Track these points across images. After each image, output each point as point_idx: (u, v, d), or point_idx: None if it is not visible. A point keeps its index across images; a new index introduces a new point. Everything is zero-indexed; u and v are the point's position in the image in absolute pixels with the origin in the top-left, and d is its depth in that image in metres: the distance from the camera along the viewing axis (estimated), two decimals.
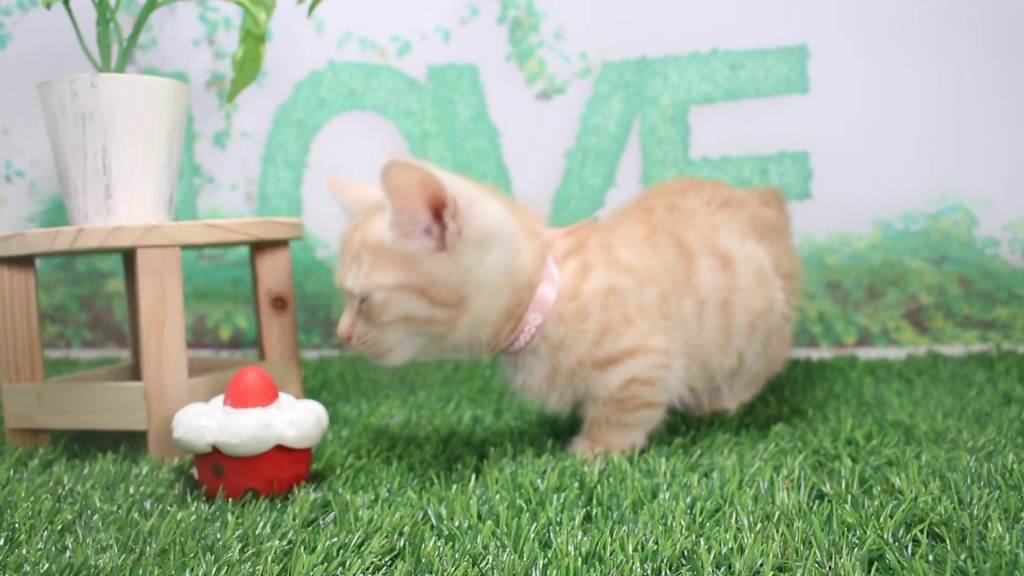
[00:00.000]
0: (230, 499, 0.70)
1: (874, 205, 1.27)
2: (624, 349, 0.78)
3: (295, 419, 0.72)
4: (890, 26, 1.25)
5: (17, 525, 0.64)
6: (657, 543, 0.57)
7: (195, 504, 0.68)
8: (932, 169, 1.26)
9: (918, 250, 1.27)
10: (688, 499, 0.66)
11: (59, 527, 0.64)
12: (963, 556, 0.54)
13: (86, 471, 0.78)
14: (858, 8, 1.25)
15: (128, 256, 1.01)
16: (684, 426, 0.91)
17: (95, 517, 0.65)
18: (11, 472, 0.79)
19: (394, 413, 1.01)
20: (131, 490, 0.72)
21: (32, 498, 0.70)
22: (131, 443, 0.89)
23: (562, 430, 0.90)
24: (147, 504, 0.69)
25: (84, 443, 0.91)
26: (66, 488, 0.73)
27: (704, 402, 0.93)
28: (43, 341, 0.88)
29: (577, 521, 0.62)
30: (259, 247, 0.95)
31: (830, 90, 1.27)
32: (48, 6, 0.85)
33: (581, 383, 0.79)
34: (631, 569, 0.54)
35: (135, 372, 1.02)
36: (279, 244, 0.96)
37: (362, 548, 0.59)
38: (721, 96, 1.29)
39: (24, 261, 0.87)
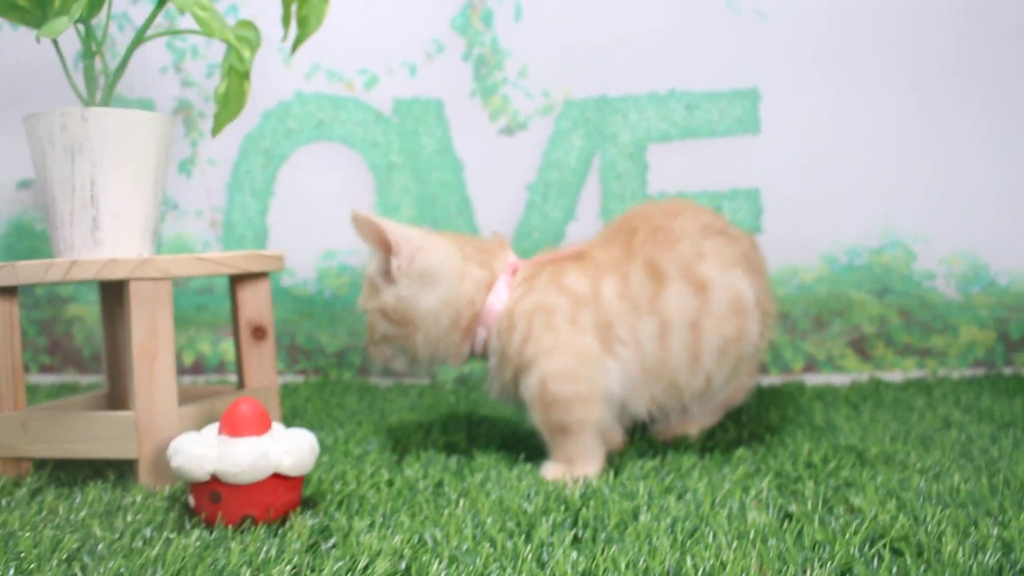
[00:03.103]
0: (229, 526, 0.72)
1: (821, 240, 1.35)
2: (540, 349, 0.88)
3: (291, 448, 0.74)
4: (836, 72, 1.34)
5: (23, 555, 0.65)
6: (646, 560, 0.62)
7: (195, 531, 0.70)
8: (874, 207, 1.34)
9: (861, 283, 1.35)
10: (668, 519, 0.70)
11: (65, 556, 0.65)
12: (923, 568, 0.59)
13: (78, 500, 0.79)
14: (806, 55, 1.34)
15: (107, 286, 1.03)
16: (652, 451, 0.96)
17: (99, 546, 0.67)
18: (0, 501, 0.79)
19: (371, 440, 1.03)
20: (128, 518, 0.74)
21: (30, 527, 0.72)
22: (118, 472, 0.90)
23: (535, 452, 0.94)
24: (147, 531, 0.71)
25: (69, 472, 0.92)
26: (63, 517, 0.74)
27: (672, 422, 0.99)
28: None
29: (568, 541, 0.67)
30: (240, 278, 0.98)
31: (780, 131, 1.34)
32: (39, 40, 0.86)
33: (519, 390, 0.91)
34: None
35: (113, 400, 1.03)
36: (260, 275, 0.98)
37: (367, 571, 0.62)
38: (678, 135, 1.36)
39: (7, 291, 0.88)
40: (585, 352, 0.87)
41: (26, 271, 0.82)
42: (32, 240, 1.47)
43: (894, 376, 1.37)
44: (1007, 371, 1.36)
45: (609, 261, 0.92)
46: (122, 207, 0.88)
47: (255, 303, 0.98)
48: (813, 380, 1.38)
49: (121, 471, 0.90)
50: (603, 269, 0.91)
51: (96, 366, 1.49)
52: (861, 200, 1.34)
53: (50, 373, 1.50)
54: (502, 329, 0.91)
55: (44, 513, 0.76)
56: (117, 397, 1.04)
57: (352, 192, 1.41)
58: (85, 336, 1.49)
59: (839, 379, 1.37)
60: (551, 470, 0.87)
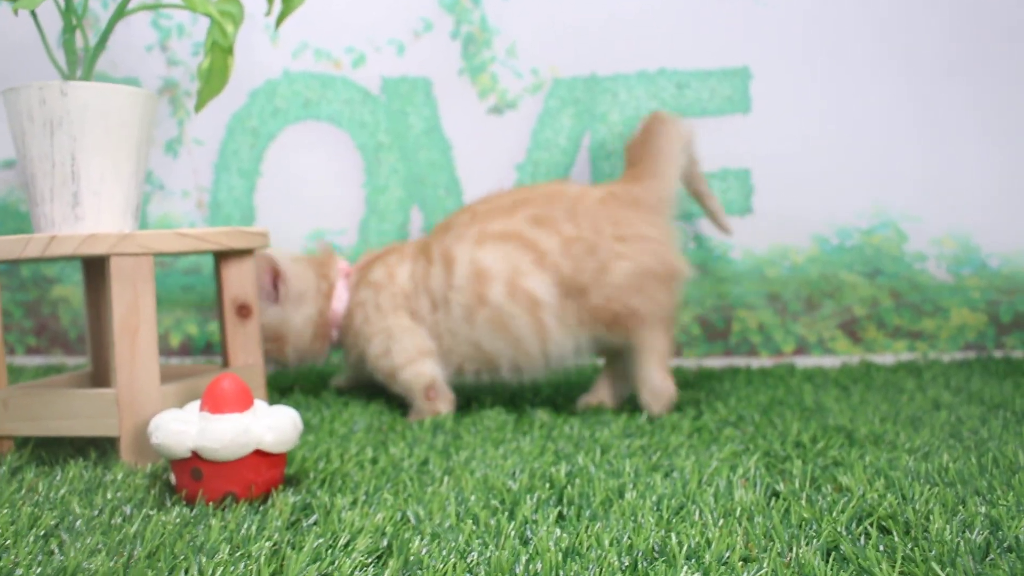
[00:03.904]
0: (210, 503, 0.71)
1: (812, 221, 1.34)
2: (362, 338, 1.11)
3: (273, 424, 0.73)
4: (828, 52, 1.32)
5: (0, 531, 0.64)
6: (631, 538, 0.61)
7: (176, 508, 0.69)
8: (866, 187, 1.33)
9: (853, 264, 1.35)
10: (654, 497, 0.70)
11: (43, 532, 0.64)
12: (910, 546, 0.59)
13: (58, 478, 0.78)
14: (797, 33, 1.32)
15: (89, 264, 1.01)
16: (639, 431, 0.95)
17: (78, 523, 0.66)
18: None
19: (356, 420, 1.03)
20: (108, 495, 0.73)
21: (8, 504, 0.71)
22: (100, 449, 0.89)
23: (522, 430, 0.93)
24: (127, 509, 0.70)
25: (50, 450, 0.91)
26: (42, 495, 0.73)
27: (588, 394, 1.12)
28: None
29: (552, 519, 0.66)
30: (225, 256, 0.96)
31: (771, 111, 1.33)
32: (16, 12, 0.85)
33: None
34: (609, 562, 0.57)
35: (96, 379, 1.02)
36: (245, 253, 0.97)
37: (349, 547, 0.61)
38: None
39: None
40: (390, 330, 1.09)
41: (4, 246, 0.81)
42: (17, 221, 1.45)
43: (885, 359, 1.37)
44: (998, 354, 1.36)
45: (409, 251, 1.13)
46: (103, 183, 0.87)
47: (239, 281, 0.97)
48: (803, 362, 1.37)
49: (103, 449, 0.89)
50: (405, 256, 1.12)
51: (83, 347, 1.48)
52: (852, 181, 1.33)
53: (36, 355, 1.49)
54: (344, 328, 1.15)
55: (24, 491, 0.75)
56: (100, 376, 1.02)
57: (340, 172, 1.39)
58: (71, 317, 1.47)
59: (830, 361, 1.37)
60: (411, 417, 1.07)
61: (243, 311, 0.98)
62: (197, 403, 0.77)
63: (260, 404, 0.77)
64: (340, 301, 1.14)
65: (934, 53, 1.32)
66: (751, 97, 1.33)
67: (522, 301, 1.02)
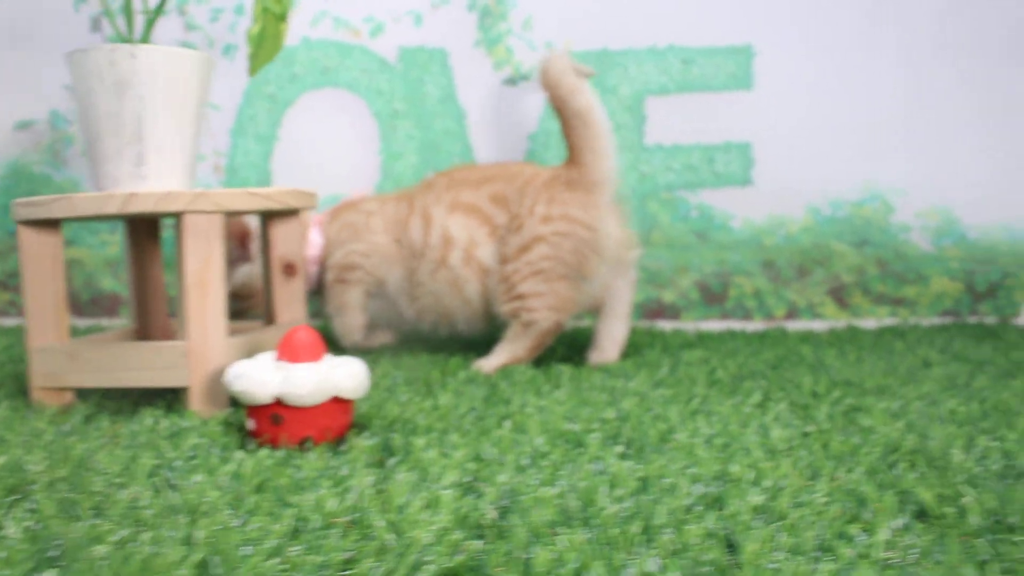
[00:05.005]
0: (292, 446, 0.76)
1: (807, 192, 1.42)
2: (338, 257, 1.21)
3: (349, 372, 0.79)
4: (827, 31, 1.40)
5: (108, 470, 0.69)
6: (694, 469, 0.68)
7: (262, 451, 0.75)
8: (857, 161, 1.42)
9: (842, 234, 1.43)
10: (702, 437, 0.77)
11: (148, 473, 0.69)
12: (937, 474, 0.67)
13: (136, 426, 0.82)
14: (799, 13, 1.40)
15: (135, 225, 1.05)
16: (663, 384, 1.02)
17: (177, 462, 0.71)
18: (54, 427, 0.82)
19: (393, 374, 1.08)
20: (193, 440, 0.78)
21: (101, 448, 0.75)
22: (165, 401, 0.94)
23: (551, 385, 0.99)
24: (215, 451, 0.75)
25: (115, 401, 0.95)
26: (128, 440, 0.78)
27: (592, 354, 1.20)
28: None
29: (618, 455, 0.73)
30: (273, 215, 1.01)
31: (772, 87, 1.41)
32: None
33: None
34: (681, 487, 0.64)
35: (141, 337, 1.05)
36: (292, 213, 1.02)
37: (440, 480, 0.67)
38: (675, 88, 1.41)
39: (52, 224, 0.90)
40: (366, 253, 1.20)
41: (84, 203, 0.85)
42: (31, 183, 1.46)
43: (868, 323, 1.46)
44: (972, 320, 1.46)
45: (395, 195, 1.24)
46: (167, 143, 0.90)
47: (286, 240, 1.01)
48: (794, 326, 1.46)
49: (168, 402, 0.94)
50: (387, 202, 1.23)
51: (94, 310, 1.50)
52: (846, 155, 1.41)
53: None
54: (325, 257, 1.23)
55: (107, 437, 0.79)
56: (145, 335, 1.06)
57: (356, 139, 1.44)
58: (84, 279, 1.50)
59: (818, 325, 1.46)
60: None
61: (289, 269, 1.02)
62: (268, 354, 0.82)
63: (329, 356, 0.82)
64: (314, 247, 1.22)
65: (929, 35, 1.40)
66: (754, 74, 1.41)
67: (474, 268, 1.15)
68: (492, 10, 1.41)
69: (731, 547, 0.55)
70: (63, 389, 0.92)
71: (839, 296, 1.46)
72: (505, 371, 1.10)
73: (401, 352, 1.25)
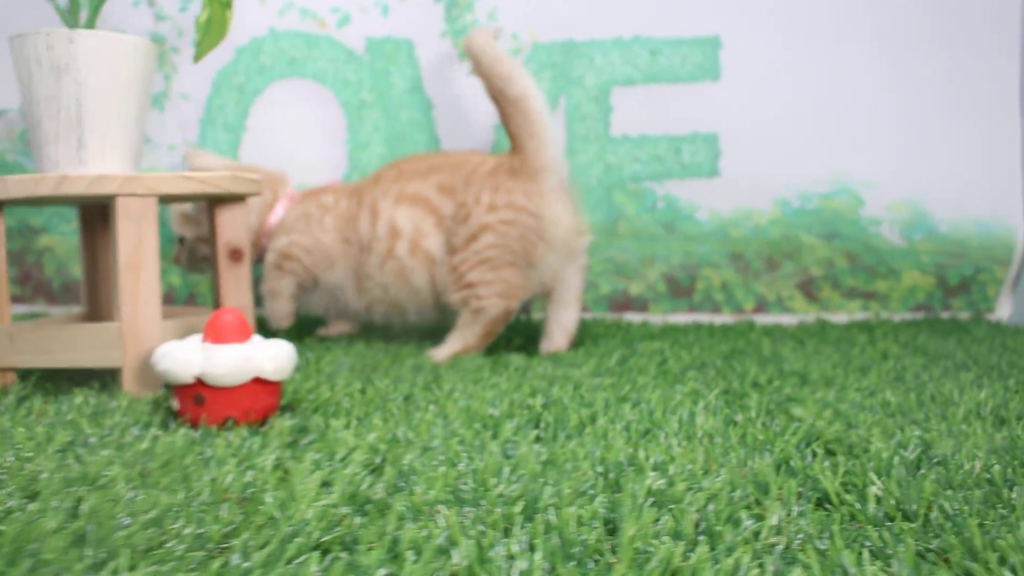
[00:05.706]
0: (212, 426, 0.77)
1: (775, 184, 1.41)
2: (283, 244, 1.23)
3: (273, 354, 0.79)
4: (796, 23, 1.39)
5: (20, 445, 0.69)
6: (602, 453, 0.67)
7: (181, 430, 0.75)
8: (826, 154, 1.40)
9: (812, 227, 1.42)
10: (623, 423, 0.76)
11: (58, 448, 0.69)
12: (851, 463, 0.66)
13: (65, 405, 0.83)
14: (767, 5, 1.39)
15: (86, 210, 1.05)
16: (608, 373, 1.02)
17: (91, 439, 0.71)
18: None
19: (341, 360, 1.08)
20: (116, 419, 0.78)
21: (23, 426, 0.76)
22: (101, 383, 0.94)
23: (494, 374, 0.99)
24: (135, 430, 0.75)
25: (53, 382, 0.95)
26: (53, 418, 0.78)
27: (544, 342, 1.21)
28: None
29: (530, 439, 0.72)
30: (219, 201, 1.01)
31: (739, 79, 1.39)
32: None
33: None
34: (583, 471, 0.64)
35: (91, 321, 1.06)
36: (238, 198, 1.02)
37: (346, 460, 0.67)
38: (641, 79, 1.41)
39: None
40: (309, 248, 1.22)
41: (16, 185, 0.85)
42: (3, 170, 1.48)
43: (839, 318, 1.45)
44: (944, 315, 1.45)
45: (347, 190, 1.24)
46: (108, 128, 0.91)
47: (233, 226, 1.02)
48: (763, 320, 1.45)
49: (104, 382, 0.94)
50: (341, 195, 1.24)
51: (66, 297, 1.52)
52: (815, 147, 1.40)
53: (20, 304, 1.52)
54: (275, 231, 1.25)
55: (34, 415, 0.80)
56: (96, 319, 1.07)
57: (323, 129, 1.44)
58: (56, 267, 1.51)
59: (787, 319, 1.45)
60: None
61: (235, 255, 1.02)
62: (198, 336, 0.82)
63: (257, 337, 0.82)
64: (276, 216, 1.25)
65: (900, 26, 1.39)
66: (721, 65, 1.40)
67: (421, 258, 1.16)
68: (458, 1, 1.41)
69: (613, 530, 0.54)
70: (3, 370, 0.93)
71: (808, 290, 1.44)
72: (455, 360, 1.10)
73: (357, 341, 1.25)
